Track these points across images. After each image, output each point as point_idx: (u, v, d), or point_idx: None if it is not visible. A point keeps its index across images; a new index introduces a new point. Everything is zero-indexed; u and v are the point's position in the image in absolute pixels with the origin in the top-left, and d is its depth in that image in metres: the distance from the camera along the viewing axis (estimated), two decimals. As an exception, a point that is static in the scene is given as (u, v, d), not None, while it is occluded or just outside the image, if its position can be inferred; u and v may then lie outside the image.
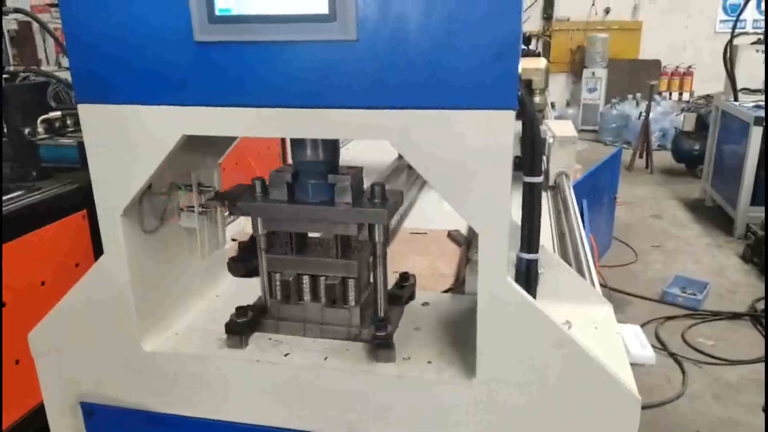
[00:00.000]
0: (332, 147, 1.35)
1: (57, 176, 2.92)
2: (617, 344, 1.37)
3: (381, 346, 1.31)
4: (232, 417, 1.38)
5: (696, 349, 3.91)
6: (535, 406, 1.21)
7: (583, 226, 2.24)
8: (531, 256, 1.34)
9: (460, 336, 1.41)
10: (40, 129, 3.04)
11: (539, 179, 1.28)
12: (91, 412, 1.48)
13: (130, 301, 1.35)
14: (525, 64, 1.16)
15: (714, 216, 6.47)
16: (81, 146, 2.95)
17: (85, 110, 1.24)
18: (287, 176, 1.33)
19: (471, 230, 2.26)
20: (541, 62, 1.24)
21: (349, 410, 1.31)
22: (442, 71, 1.05)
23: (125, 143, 1.23)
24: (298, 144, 1.34)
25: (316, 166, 1.33)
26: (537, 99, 1.22)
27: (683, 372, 3.67)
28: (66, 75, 3.49)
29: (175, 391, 1.40)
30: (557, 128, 2.64)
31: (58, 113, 3.10)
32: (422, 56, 1.05)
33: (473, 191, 1.10)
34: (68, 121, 3.15)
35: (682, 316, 4.34)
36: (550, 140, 2.27)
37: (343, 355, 1.35)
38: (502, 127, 1.06)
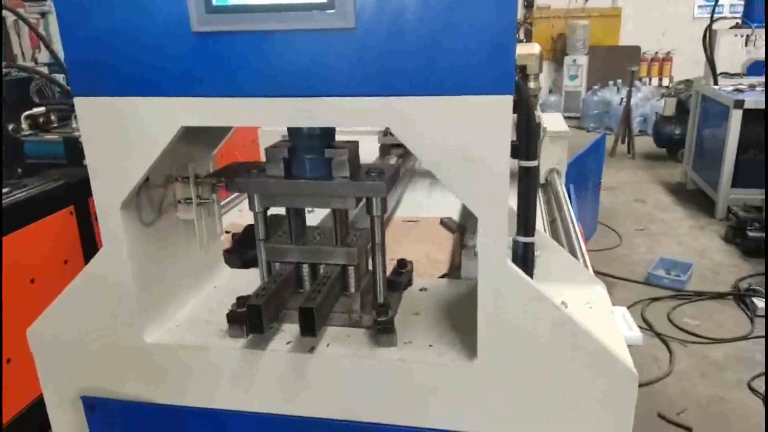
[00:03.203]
0: None
1: (43, 172, 2.89)
2: (612, 322, 1.40)
3: (382, 331, 1.33)
4: (235, 406, 1.39)
5: (681, 329, 3.98)
6: (535, 384, 1.24)
7: (574, 212, 2.27)
8: (527, 240, 1.36)
9: (459, 320, 1.43)
10: (24, 125, 3.00)
11: (534, 163, 1.30)
12: (93, 405, 1.48)
13: (131, 294, 1.36)
14: (519, 50, 1.18)
15: (696, 199, 6.57)
16: (66, 142, 2.93)
17: (81, 103, 1.24)
18: (284, 152, 1.33)
19: (463, 217, 2.28)
20: (535, 48, 1.26)
21: (352, 395, 1.33)
22: (441, 58, 1.06)
23: (123, 136, 1.23)
24: None
25: (313, 141, 1.33)
26: (531, 84, 1.24)
27: (670, 351, 3.75)
28: (44, 71, 3.45)
29: (178, 382, 1.41)
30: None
31: (42, 109, 3.06)
32: (420, 43, 1.07)
33: (472, 176, 1.12)
34: (52, 117, 3.12)
35: (667, 297, 4.42)
36: (545, 126, 2.28)
37: (345, 341, 1.37)
38: (500, 112, 1.07)
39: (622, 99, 9.60)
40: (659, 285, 4.56)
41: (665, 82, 11.72)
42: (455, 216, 2.30)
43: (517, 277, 1.19)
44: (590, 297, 1.50)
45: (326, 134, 1.33)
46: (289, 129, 1.34)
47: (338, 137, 1.38)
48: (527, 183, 1.31)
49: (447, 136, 1.10)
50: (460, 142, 1.10)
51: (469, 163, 1.11)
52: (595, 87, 11.12)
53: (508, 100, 1.06)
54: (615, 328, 1.38)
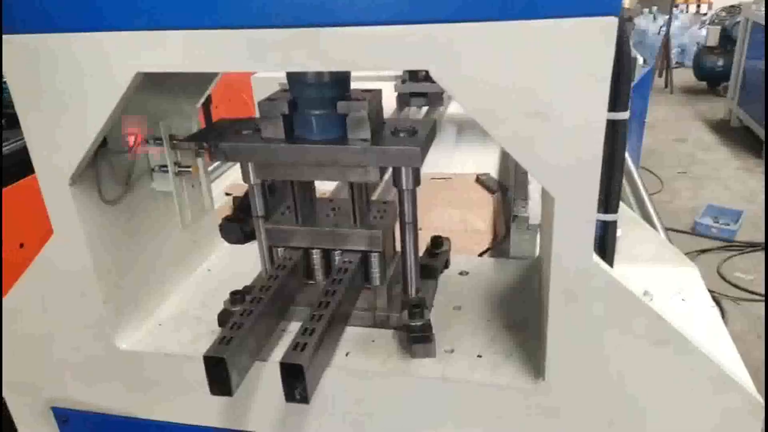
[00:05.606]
0: None
1: (27, 124, 2.59)
2: (717, 323, 1.09)
3: (417, 340, 1.03)
4: (230, 424, 1.12)
5: (734, 285, 3.65)
6: (623, 418, 0.93)
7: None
8: (608, 217, 1.02)
9: (512, 316, 1.12)
10: (3, 70, 2.67)
11: (626, 115, 0.95)
12: (66, 418, 1.24)
13: (95, 291, 1.07)
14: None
15: (742, 137, 6.09)
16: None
17: (8, 44, 0.90)
18: (283, 106, 0.99)
19: (503, 172, 1.94)
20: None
21: (377, 420, 1.04)
22: (509, -39, 0.71)
23: (64, 87, 0.91)
24: None
25: (321, 91, 0.98)
26: (626, 2, 0.87)
27: (722, 310, 3.41)
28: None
29: (161, 394, 1.15)
30: None
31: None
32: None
33: (550, 141, 0.78)
34: (35, 60, 2.78)
35: (716, 248, 4.07)
36: (641, 61, 1.89)
37: (369, 349, 1.07)
38: (598, 44, 0.72)
39: (661, 27, 8.90)
40: (707, 235, 4.21)
41: (703, 9, 10.90)
42: (493, 171, 1.96)
43: (606, 277, 0.86)
44: (680, 284, 1.18)
45: (339, 81, 0.98)
46: (289, 76, 1.00)
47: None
48: (613, 142, 0.96)
49: (514, 81, 0.76)
50: (533, 90, 0.76)
51: (545, 120, 0.77)
52: (629, 15, 10.37)
53: (611, 24, 0.71)
54: (722, 330, 1.06)
